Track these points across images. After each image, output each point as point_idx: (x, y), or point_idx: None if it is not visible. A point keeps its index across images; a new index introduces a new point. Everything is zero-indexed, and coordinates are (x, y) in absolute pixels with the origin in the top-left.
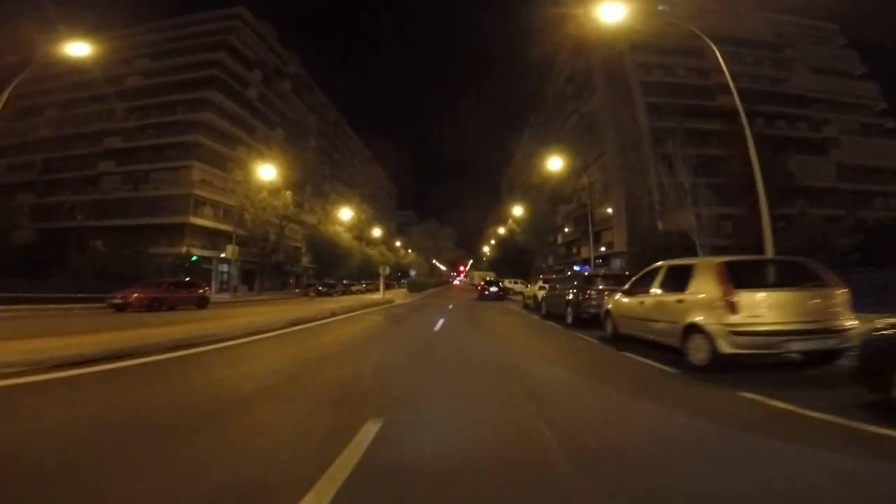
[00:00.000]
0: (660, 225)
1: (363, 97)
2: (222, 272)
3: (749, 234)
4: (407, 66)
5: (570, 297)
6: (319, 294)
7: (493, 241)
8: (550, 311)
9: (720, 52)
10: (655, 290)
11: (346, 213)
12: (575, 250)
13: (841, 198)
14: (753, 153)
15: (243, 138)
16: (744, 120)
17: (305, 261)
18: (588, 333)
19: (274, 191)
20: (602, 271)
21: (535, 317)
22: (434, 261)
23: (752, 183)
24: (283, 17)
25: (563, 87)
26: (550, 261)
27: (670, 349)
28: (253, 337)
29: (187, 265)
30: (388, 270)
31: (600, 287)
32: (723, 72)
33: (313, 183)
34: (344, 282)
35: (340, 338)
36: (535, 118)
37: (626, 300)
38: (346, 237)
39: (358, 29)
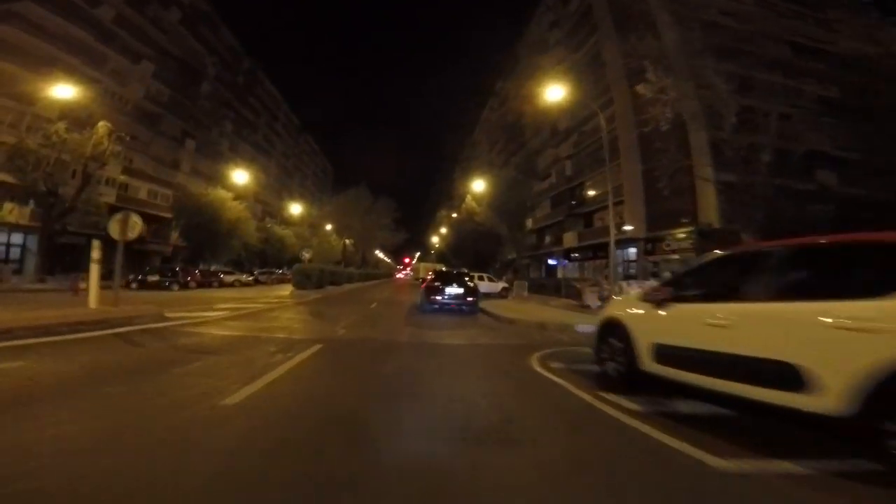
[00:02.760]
0: None
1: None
2: (11, 245)
3: None
4: (366, 32)
5: None
6: (156, 286)
7: (443, 230)
8: None
9: None
10: None
11: (240, 176)
12: (550, 238)
13: None
14: None
15: (76, 66)
16: None
17: (177, 237)
18: None
19: (81, 123)
20: None
21: None
22: (378, 251)
23: None
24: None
25: (546, 34)
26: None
27: None
28: None
29: None
30: None
31: None
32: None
33: (201, 138)
34: (256, 269)
35: None
36: (502, 85)
37: None
38: (233, 206)
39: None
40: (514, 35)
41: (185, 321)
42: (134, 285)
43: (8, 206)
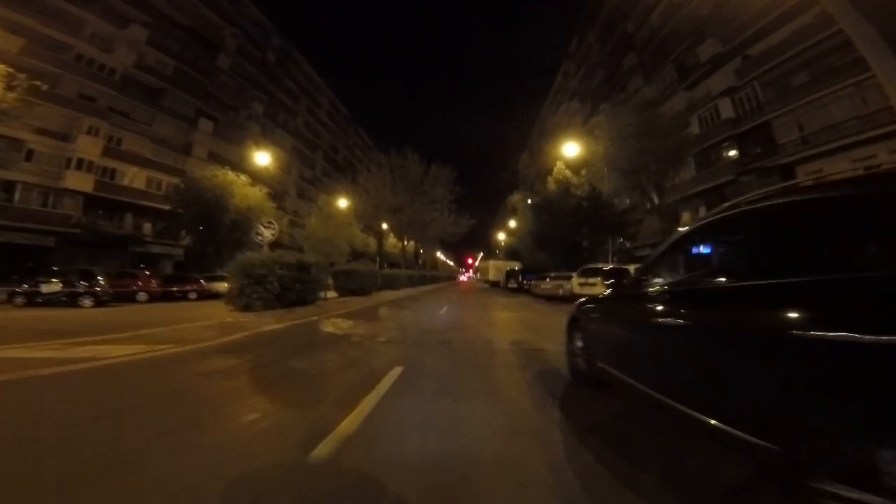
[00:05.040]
0: None
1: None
2: None
3: None
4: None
5: None
6: (56, 301)
7: (512, 224)
8: None
9: None
10: None
11: (262, 158)
12: (691, 215)
13: None
14: None
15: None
16: None
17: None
18: None
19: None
20: None
21: None
22: (439, 253)
23: None
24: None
25: None
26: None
27: None
28: None
29: None
30: None
31: None
32: None
33: (224, 120)
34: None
35: None
36: (579, 42)
37: None
38: (248, 192)
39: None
40: None
41: None
42: (19, 300)
43: None
